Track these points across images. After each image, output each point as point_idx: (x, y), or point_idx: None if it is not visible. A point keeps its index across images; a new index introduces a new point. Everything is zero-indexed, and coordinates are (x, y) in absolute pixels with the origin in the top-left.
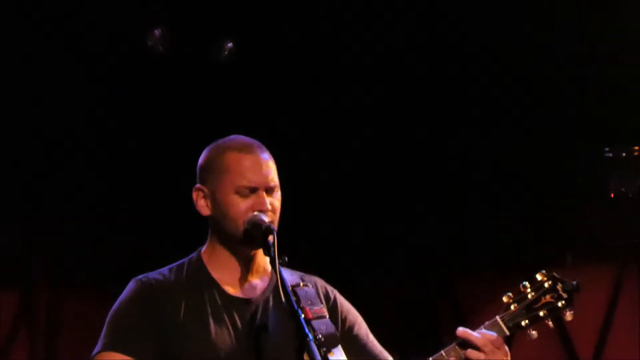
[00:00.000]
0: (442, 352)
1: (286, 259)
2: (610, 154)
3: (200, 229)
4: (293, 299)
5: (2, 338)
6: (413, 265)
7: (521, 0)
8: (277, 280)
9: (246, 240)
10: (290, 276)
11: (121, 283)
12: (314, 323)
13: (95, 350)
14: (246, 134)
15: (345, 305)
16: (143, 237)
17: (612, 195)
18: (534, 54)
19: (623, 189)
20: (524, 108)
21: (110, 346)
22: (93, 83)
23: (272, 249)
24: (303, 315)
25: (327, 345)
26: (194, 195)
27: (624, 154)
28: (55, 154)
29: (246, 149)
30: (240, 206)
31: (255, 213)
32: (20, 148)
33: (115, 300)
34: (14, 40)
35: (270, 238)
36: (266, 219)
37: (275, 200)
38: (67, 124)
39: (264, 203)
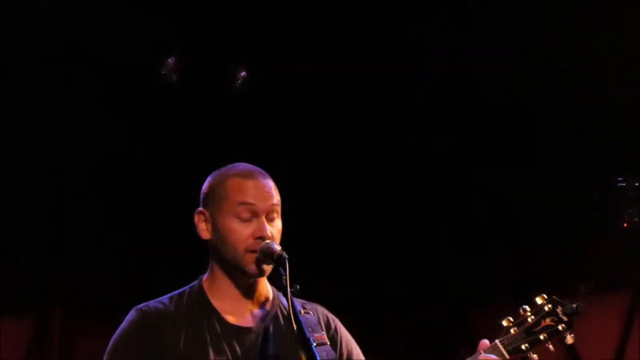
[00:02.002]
0: None
1: (298, 287)
2: (624, 184)
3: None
4: (295, 326)
5: None
6: (430, 295)
7: (531, 32)
8: (279, 307)
9: (245, 268)
10: (294, 304)
11: None
12: (316, 349)
13: None
14: (257, 162)
15: (345, 335)
16: (156, 267)
17: (625, 225)
18: (548, 90)
19: (636, 219)
20: (540, 143)
21: None
22: (106, 113)
23: (283, 277)
24: (315, 344)
25: None
26: (195, 218)
27: (637, 184)
28: (70, 187)
29: (248, 175)
30: (241, 233)
31: (267, 242)
32: (37, 180)
33: None
34: (25, 76)
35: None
36: (277, 247)
37: (274, 229)
38: (81, 155)
39: (264, 229)
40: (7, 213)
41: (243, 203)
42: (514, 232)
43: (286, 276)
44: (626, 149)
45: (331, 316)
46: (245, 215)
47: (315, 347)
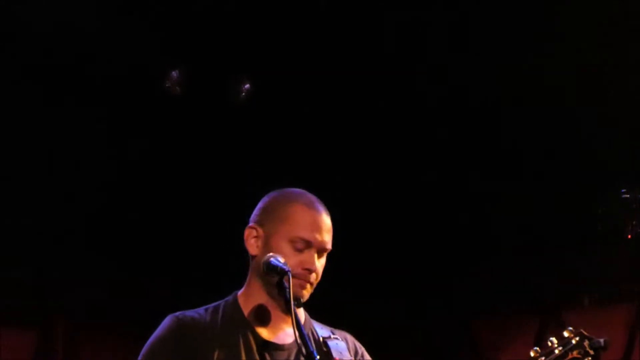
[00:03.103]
0: None
1: (301, 300)
2: (628, 196)
3: (216, 273)
4: (312, 346)
5: None
6: (434, 307)
7: (533, 40)
8: (310, 330)
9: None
10: (320, 329)
11: (138, 324)
12: None
13: None
14: (262, 175)
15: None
16: (160, 279)
17: (630, 237)
18: (553, 99)
19: None
20: (544, 154)
21: None
22: (109, 126)
23: (287, 291)
24: None
25: None
26: (246, 232)
27: None
28: (75, 196)
29: (313, 206)
30: (291, 260)
31: (270, 254)
32: (39, 190)
33: (136, 340)
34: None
35: (286, 280)
36: (281, 260)
37: (320, 266)
38: (85, 167)
39: (313, 262)
40: (11, 224)
41: (304, 232)
42: (518, 245)
43: (289, 289)
44: (631, 161)
45: (358, 344)
46: (300, 245)
47: None
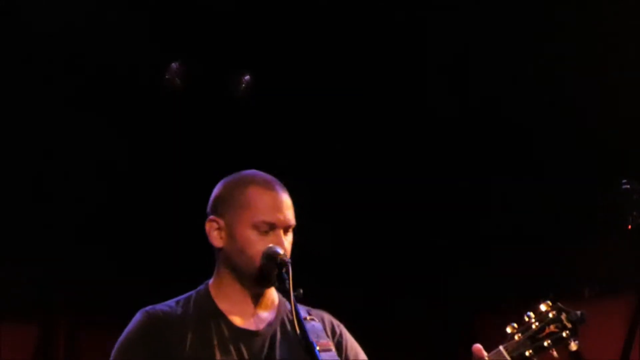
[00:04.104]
0: None
1: (301, 291)
2: (628, 186)
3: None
4: (298, 330)
5: None
6: (435, 302)
7: (534, 34)
8: (285, 313)
9: (259, 279)
10: (299, 310)
11: None
12: (321, 355)
13: None
14: (262, 169)
15: (350, 340)
16: (162, 274)
17: (630, 227)
18: (551, 91)
19: None
20: (542, 147)
21: None
22: (108, 119)
23: (287, 282)
24: (318, 348)
25: None
26: (207, 226)
27: None
28: (76, 193)
29: (269, 186)
30: (259, 245)
31: (270, 245)
32: (40, 186)
33: None
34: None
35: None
36: (280, 251)
37: (288, 243)
38: (84, 161)
39: (282, 243)
40: (11, 219)
41: (263, 214)
42: (517, 238)
43: (289, 280)
44: (631, 151)
45: (336, 322)
46: (265, 227)
47: (320, 352)
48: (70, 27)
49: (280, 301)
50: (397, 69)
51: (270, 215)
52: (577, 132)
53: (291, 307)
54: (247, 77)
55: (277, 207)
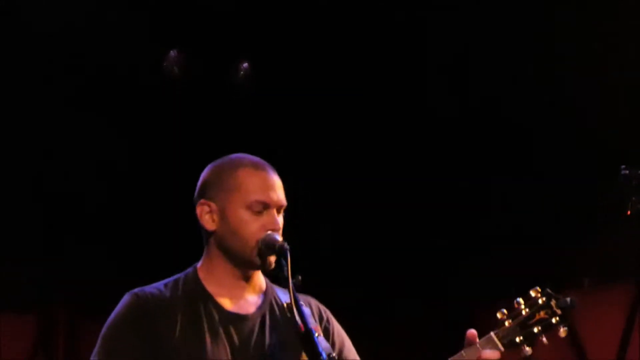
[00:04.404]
0: None
1: (300, 278)
2: (627, 172)
3: None
4: (284, 318)
5: None
6: (433, 295)
7: (532, 28)
8: (273, 297)
9: (252, 261)
10: (283, 295)
11: None
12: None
13: None
14: (261, 156)
15: (336, 326)
16: (161, 264)
17: (629, 213)
18: (548, 79)
19: None
20: (541, 136)
21: None
22: (108, 119)
23: (285, 268)
24: (317, 335)
25: None
26: (198, 210)
27: None
28: (75, 184)
29: (259, 167)
30: (253, 225)
31: (269, 232)
32: (39, 179)
33: None
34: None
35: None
36: (279, 238)
37: (281, 223)
38: (82, 155)
39: (276, 222)
40: (11, 218)
41: (256, 194)
42: (516, 228)
43: (288, 267)
44: (631, 151)
45: (322, 307)
46: (258, 207)
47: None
48: (70, 27)
49: (267, 285)
50: (397, 67)
51: (263, 194)
52: (577, 132)
53: (289, 294)
54: (245, 65)
55: (270, 186)
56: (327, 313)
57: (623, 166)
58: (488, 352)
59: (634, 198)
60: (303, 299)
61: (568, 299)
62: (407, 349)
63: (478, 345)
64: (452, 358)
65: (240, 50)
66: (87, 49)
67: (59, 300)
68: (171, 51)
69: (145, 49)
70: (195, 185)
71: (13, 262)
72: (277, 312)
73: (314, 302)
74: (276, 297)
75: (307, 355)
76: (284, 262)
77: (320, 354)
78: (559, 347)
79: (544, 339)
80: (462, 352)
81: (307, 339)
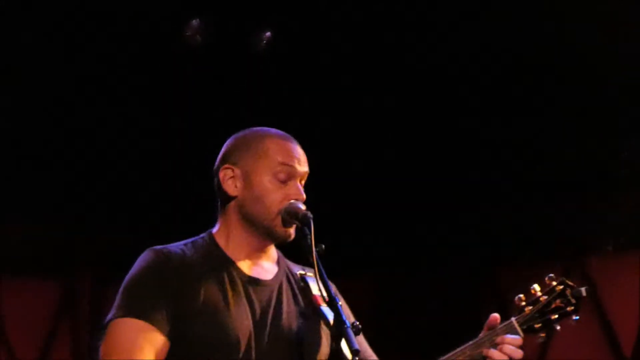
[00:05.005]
0: (458, 350)
1: (323, 247)
2: None
3: None
4: (298, 288)
5: (45, 329)
6: (456, 253)
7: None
8: (285, 267)
9: (272, 229)
10: (295, 267)
11: None
12: (324, 309)
13: (109, 317)
14: (282, 125)
15: (342, 301)
16: (184, 233)
17: None
18: (574, 41)
19: None
20: (567, 98)
21: (128, 312)
22: (129, 75)
23: (308, 237)
24: (315, 306)
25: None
26: (221, 174)
27: None
28: (96, 150)
29: (288, 138)
30: (277, 193)
31: (292, 201)
32: (64, 146)
33: None
34: (48, 34)
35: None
36: (302, 207)
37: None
38: (105, 121)
39: (300, 192)
40: (36, 179)
41: (284, 164)
42: (540, 190)
43: (311, 236)
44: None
45: (329, 282)
46: (283, 176)
47: (320, 306)
48: None
49: (279, 256)
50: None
51: (291, 161)
52: (599, 87)
53: (313, 262)
54: (268, 34)
55: (295, 155)
56: (333, 287)
57: None
58: (510, 338)
59: None
60: (309, 270)
61: (582, 289)
62: (431, 305)
63: (499, 330)
64: (473, 341)
65: (263, 19)
66: (110, 18)
67: (82, 266)
68: (193, 20)
69: (168, 17)
70: (215, 154)
71: (37, 229)
72: (292, 281)
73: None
74: (289, 267)
75: (327, 323)
76: (307, 230)
77: (344, 322)
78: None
79: (558, 327)
80: (483, 335)
81: (331, 307)
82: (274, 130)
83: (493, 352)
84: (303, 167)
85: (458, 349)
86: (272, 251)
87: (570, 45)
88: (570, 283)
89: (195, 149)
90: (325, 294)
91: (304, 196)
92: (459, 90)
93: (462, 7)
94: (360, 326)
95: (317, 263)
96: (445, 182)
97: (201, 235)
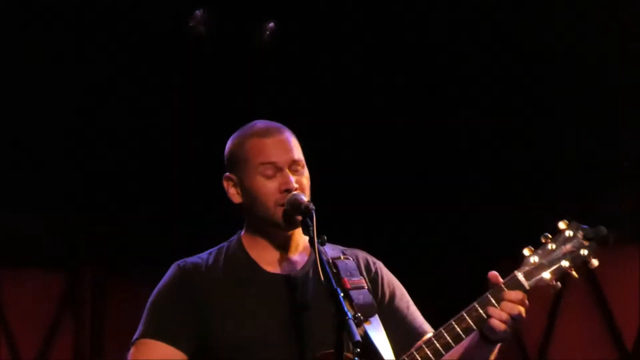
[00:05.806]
0: (463, 312)
1: (325, 238)
2: None
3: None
4: (331, 273)
5: (48, 321)
6: (458, 248)
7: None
8: (316, 257)
9: (280, 222)
10: (331, 250)
11: (165, 268)
12: (352, 293)
13: (136, 336)
14: (285, 117)
15: (387, 277)
16: (187, 223)
17: None
18: (575, 32)
19: None
20: (568, 89)
21: (151, 333)
22: (133, 66)
23: (310, 228)
24: (344, 289)
25: (364, 314)
26: (225, 184)
27: None
28: (99, 143)
29: (266, 133)
30: (268, 188)
31: (294, 193)
32: (65, 138)
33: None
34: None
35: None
36: (305, 198)
37: (302, 179)
38: (108, 114)
39: (289, 181)
40: (39, 171)
41: (264, 163)
42: (542, 183)
43: (313, 227)
44: None
45: (372, 259)
46: (269, 172)
47: (352, 290)
48: None
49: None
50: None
51: (270, 156)
52: (601, 81)
53: (314, 253)
54: (271, 25)
55: (276, 148)
56: (377, 264)
57: None
58: (512, 294)
59: None
60: (350, 252)
61: (596, 229)
62: (430, 299)
63: (502, 285)
64: (477, 301)
65: (266, 10)
66: (114, 9)
67: (85, 258)
68: (197, 11)
69: (171, 7)
70: (218, 147)
71: (40, 220)
72: (321, 275)
73: (362, 255)
74: (325, 253)
75: (353, 307)
76: (309, 222)
77: (346, 313)
78: (584, 302)
79: (574, 273)
80: (488, 294)
81: (332, 299)
82: (257, 126)
83: (493, 310)
84: (287, 155)
85: (466, 309)
86: (298, 240)
87: (570, 45)
88: (581, 225)
89: (199, 143)
90: (326, 283)
91: (293, 185)
92: (458, 90)
93: (462, 7)
94: (362, 317)
95: (319, 255)
96: (445, 182)
97: (232, 237)
